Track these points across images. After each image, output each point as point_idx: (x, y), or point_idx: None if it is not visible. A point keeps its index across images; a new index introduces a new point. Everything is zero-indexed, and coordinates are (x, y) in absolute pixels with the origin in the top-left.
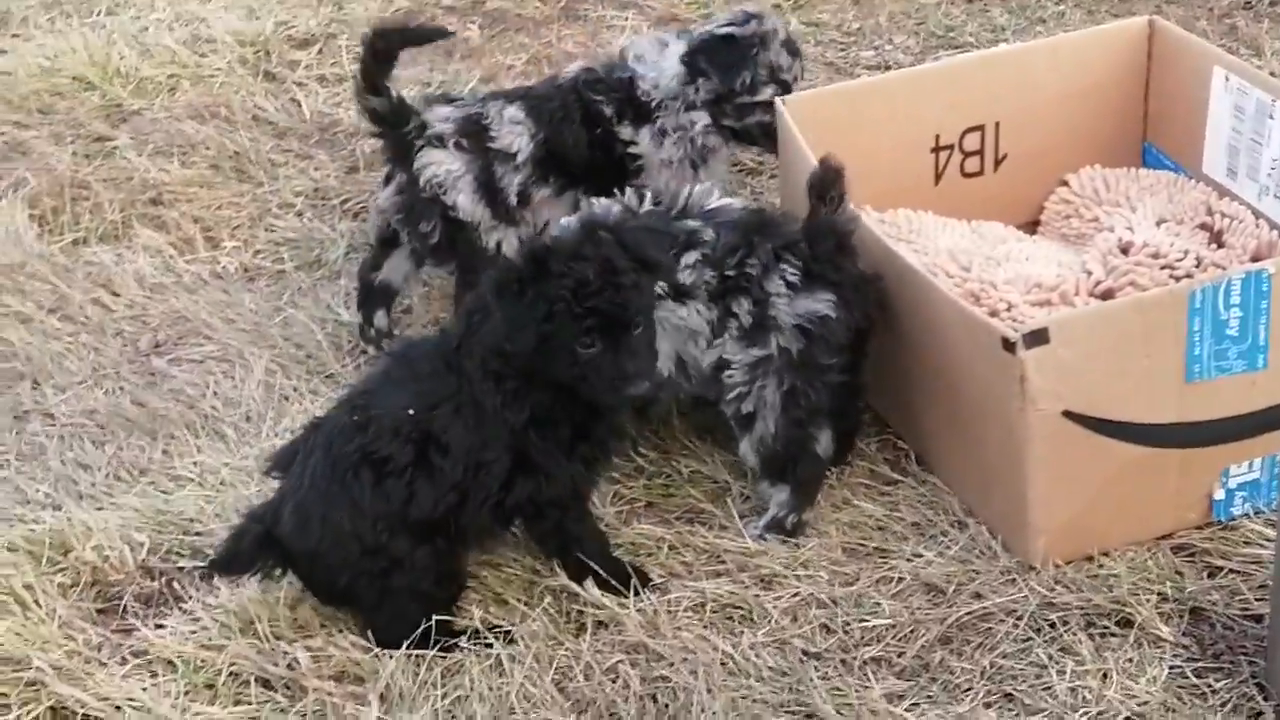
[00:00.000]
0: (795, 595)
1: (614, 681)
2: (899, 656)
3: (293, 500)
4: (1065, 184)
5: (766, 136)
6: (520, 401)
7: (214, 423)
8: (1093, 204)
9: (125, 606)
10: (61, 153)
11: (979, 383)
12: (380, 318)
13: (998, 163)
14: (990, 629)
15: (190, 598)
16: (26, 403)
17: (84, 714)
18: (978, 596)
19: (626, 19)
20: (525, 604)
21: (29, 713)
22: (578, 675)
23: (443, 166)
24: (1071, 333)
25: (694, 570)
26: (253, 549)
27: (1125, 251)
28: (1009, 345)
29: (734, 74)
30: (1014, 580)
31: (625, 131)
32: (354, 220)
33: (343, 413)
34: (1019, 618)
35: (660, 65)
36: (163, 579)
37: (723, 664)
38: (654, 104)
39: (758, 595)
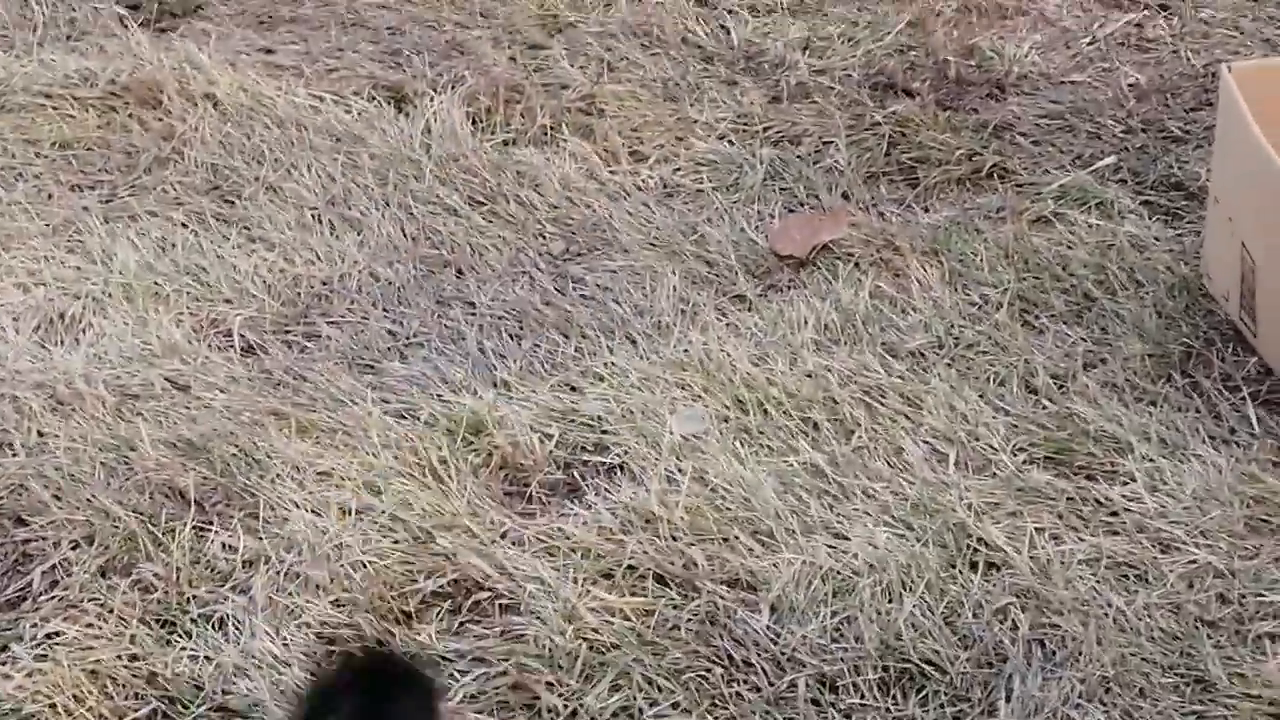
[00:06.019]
0: (1193, 562)
1: (1002, 622)
2: None
3: None
4: None
5: None
6: None
7: (624, 328)
8: None
9: (531, 493)
10: (499, 55)
11: None
12: None
13: None
14: None
15: (592, 491)
16: (449, 290)
17: (488, 587)
18: None
19: None
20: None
21: (434, 582)
22: (966, 613)
23: None
24: None
25: (1090, 525)
26: None
27: None
28: None
29: None
30: None
31: None
32: (774, 148)
33: None
34: None
35: None
36: (568, 470)
37: (1114, 620)
38: None
39: (1155, 558)
